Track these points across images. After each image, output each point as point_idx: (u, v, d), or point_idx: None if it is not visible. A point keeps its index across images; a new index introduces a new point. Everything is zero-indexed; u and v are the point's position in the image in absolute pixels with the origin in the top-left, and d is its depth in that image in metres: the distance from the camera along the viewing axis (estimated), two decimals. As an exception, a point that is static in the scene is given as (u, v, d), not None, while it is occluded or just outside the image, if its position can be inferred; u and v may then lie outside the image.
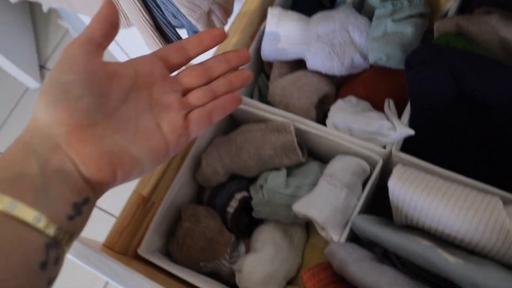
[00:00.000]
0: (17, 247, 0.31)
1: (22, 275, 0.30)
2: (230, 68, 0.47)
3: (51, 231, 0.32)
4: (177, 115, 0.42)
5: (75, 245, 0.47)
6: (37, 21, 1.96)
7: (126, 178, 0.39)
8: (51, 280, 0.33)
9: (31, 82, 1.82)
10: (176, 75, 0.45)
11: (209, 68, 0.46)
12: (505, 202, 0.45)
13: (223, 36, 0.46)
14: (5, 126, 1.82)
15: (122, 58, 1.28)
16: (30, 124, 0.37)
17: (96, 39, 0.40)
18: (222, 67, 0.47)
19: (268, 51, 0.60)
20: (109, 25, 0.41)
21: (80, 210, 0.35)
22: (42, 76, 1.87)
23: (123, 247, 0.53)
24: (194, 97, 0.45)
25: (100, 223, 0.81)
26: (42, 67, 1.89)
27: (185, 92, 0.45)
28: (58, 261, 0.33)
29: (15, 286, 0.30)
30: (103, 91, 0.38)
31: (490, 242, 0.42)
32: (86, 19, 1.15)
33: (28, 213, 0.32)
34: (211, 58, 0.47)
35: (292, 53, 0.60)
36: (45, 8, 1.56)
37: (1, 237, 0.30)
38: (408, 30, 0.55)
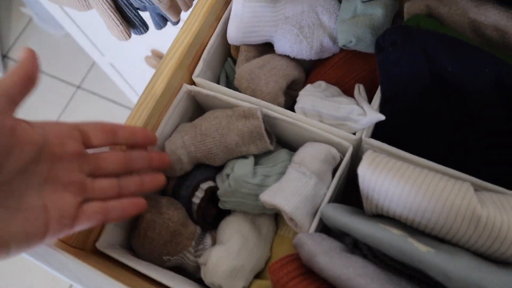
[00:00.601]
0: None
1: None
2: (149, 168, 0.47)
3: None
4: (72, 200, 0.38)
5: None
6: (-2, 8, 1.89)
7: None
8: None
9: (-8, 71, 1.74)
10: (93, 153, 0.42)
11: (130, 160, 0.45)
12: (477, 189, 0.44)
13: (154, 142, 0.48)
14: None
15: (85, 43, 1.23)
16: None
17: (11, 96, 0.34)
18: (142, 164, 0.46)
19: (234, 34, 0.57)
20: (27, 80, 0.36)
21: None
22: (4, 66, 1.80)
23: (80, 241, 0.50)
24: (98, 187, 0.42)
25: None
26: (4, 57, 1.82)
27: (94, 174, 0.42)
28: None
29: None
30: None
31: (461, 229, 0.41)
32: (51, 7, 1.10)
33: None
34: (135, 151, 0.46)
35: (259, 36, 0.57)
36: (5, -6, 1.49)
37: None
38: (378, 12, 0.53)
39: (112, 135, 0.43)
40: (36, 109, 1.77)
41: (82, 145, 0.41)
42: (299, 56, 0.57)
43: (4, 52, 1.82)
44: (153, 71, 1.15)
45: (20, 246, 0.35)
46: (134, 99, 1.49)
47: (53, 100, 1.84)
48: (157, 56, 1.06)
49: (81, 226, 0.40)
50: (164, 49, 1.05)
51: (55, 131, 0.38)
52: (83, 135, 0.41)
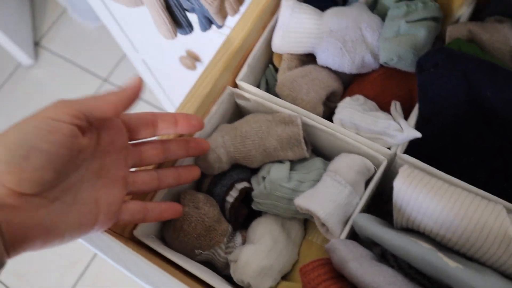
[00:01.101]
0: None
1: None
2: (187, 156, 0.48)
3: None
4: (119, 194, 0.41)
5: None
6: (35, -3, 1.93)
7: (44, 247, 0.36)
8: None
9: (24, 58, 1.79)
10: (134, 147, 0.44)
11: (167, 150, 0.46)
12: (509, 212, 0.45)
13: (200, 127, 0.46)
14: (-6, 100, 1.79)
15: (119, 37, 1.26)
16: None
17: (92, 118, 0.36)
18: (180, 154, 0.47)
19: (279, 43, 0.60)
20: (114, 111, 0.38)
21: None
22: (36, 53, 1.84)
23: (120, 228, 0.52)
24: (140, 180, 0.44)
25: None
26: (36, 44, 1.86)
27: (135, 166, 0.44)
28: None
29: None
30: (64, 168, 0.35)
31: (492, 248, 0.43)
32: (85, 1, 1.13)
33: None
34: (173, 141, 0.47)
35: (303, 46, 0.60)
36: (45, -15, 1.54)
37: None
38: (421, 32, 0.55)
39: (154, 128, 0.44)
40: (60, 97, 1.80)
41: (127, 140, 0.42)
42: (340, 69, 0.59)
43: (37, 40, 1.86)
44: (185, 71, 1.18)
45: (72, 236, 0.38)
46: (161, 97, 1.52)
47: (79, 90, 1.87)
48: (192, 57, 1.09)
49: (123, 222, 0.43)
50: (199, 51, 1.08)
51: (106, 129, 0.40)
52: (128, 129, 0.42)
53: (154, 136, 0.45)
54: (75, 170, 0.37)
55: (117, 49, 1.62)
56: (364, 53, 0.58)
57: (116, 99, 0.38)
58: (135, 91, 0.40)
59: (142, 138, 0.45)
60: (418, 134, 0.51)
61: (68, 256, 1.51)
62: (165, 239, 0.58)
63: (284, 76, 0.59)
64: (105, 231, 0.50)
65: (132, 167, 0.44)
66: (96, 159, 0.39)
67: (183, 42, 1.06)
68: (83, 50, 1.83)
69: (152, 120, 0.44)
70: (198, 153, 0.49)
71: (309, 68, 0.59)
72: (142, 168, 0.47)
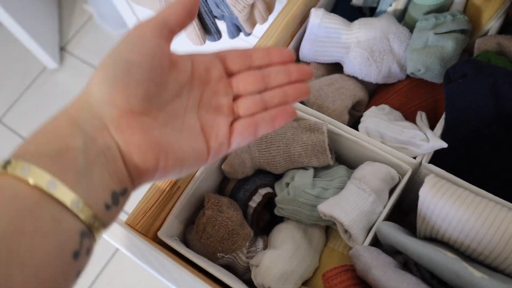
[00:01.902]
0: (52, 231, 0.28)
1: (55, 263, 0.28)
2: (289, 81, 0.44)
3: (87, 218, 0.30)
4: (223, 121, 0.40)
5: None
6: (62, 3, 1.98)
7: (165, 175, 0.37)
8: (80, 272, 0.30)
9: (50, 62, 1.82)
10: (232, 77, 0.42)
11: (267, 76, 0.43)
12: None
13: (291, 58, 0.43)
14: (18, 103, 1.83)
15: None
16: (80, 98, 0.34)
17: (170, 25, 0.37)
18: (281, 79, 0.43)
19: (307, 51, 0.61)
20: (186, 13, 0.38)
21: (118, 200, 0.33)
22: (61, 58, 1.88)
23: (145, 228, 0.53)
24: (243, 106, 0.42)
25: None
26: (62, 49, 1.90)
27: (237, 96, 0.42)
28: (89, 252, 0.31)
29: (47, 275, 0.27)
30: (163, 81, 0.37)
31: (518, 260, 0.42)
32: (120, 5, 1.15)
33: (67, 195, 0.29)
34: (272, 67, 0.44)
35: (330, 56, 0.60)
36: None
37: (37, 217, 0.28)
38: (449, 44, 0.56)
39: (248, 59, 0.43)
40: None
41: (223, 71, 0.42)
42: (366, 79, 0.60)
43: (63, 44, 1.90)
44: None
45: (191, 164, 0.38)
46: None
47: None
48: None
49: (236, 144, 0.41)
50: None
51: (200, 60, 0.40)
52: (223, 62, 0.42)
53: (248, 69, 0.43)
54: (177, 96, 0.38)
55: (140, 56, 1.64)
56: (391, 63, 0.58)
57: (183, 1, 0.38)
58: None
59: (236, 72, 0.43)
60: (444, 144, 0.51)
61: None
62: (187, 242, 0.59)
63: (310, 84, 0.60)
64: (131, 230, 0.51)
65: (234, 97, 0.42)
66: (196, 88, 0.39)
67: (208, 50, 1.07)
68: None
69: (245, 52, 0.43)
70: (301, 76, 0.44)
71: (335, 77, 0.60)
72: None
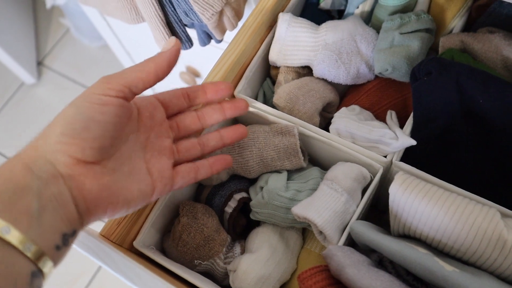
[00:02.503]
0: (5, 273, 0.30)
1: None
2: (224, 118, 0.47)
3: (38, 260, 0.32)
4: (167, 163, 0.43)
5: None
6: (38, 17, 1.96)
7: (113, 215, 0.39)
8: None
9: (27, 77, 1.81)
10: (171, 119, 0.46)
11: (203, 116, 0.47)
12: (502, 216, 0.46)
13: (228, 91, 0.46)
14: (-3, 120, 1.81)
15: (122, 56, 1.28)
16: (34, 144, 0.36)
17: (136, 90, 0.39)
18: (216, 117, 0.47)
19: (276, 56, 0.61)
20: (156, 78, 0.40)
21: (68, 241, 0.35)
22: (39, 72, 1.86)
23: (120, 238, 0.53)
24: (183, 148, 0.45)
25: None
26: (40, 64, 1.88)
27: (176, 138, 0.46)
28: None
29: None
30: (118, 135, 0.39)
31: (486, 251, 0.43)
32: (94, 18, 1.15)
33: (19, 240, 0.31)
34: (207, 107, 0.47)
35: (300, 59, 0.61)
36: (48, 5, 1.57)
37: None
38: (414, 43, 0.56)
39: (186, 99, 0.46)
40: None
41: (164, 114, 0.44)
42: (336, 80, 0.60)
43: (40, 59, 1.89)
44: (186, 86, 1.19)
45: (137, 204, 0.41)
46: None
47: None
48: (192, 72, 1.10)
49: (178, 185, 0.44)
50: (199, 66, 1.09)
51: (145, 106, 0.43)
52: (164, 106, 0.44)
53: (189, 108, 0.47)
54: (125, 142, 0.40)
55: (119, 67, 1.64)
56: (359, 64, 0.59)
57: (155, 66, 0.40)
58: (173, 53, 0.41)
59: (177, 112, 0.46)
60: (413, 142, 0.52)
61: (72, 270, 1.51)
62: (165, 251, 0.59)
63: (281, 88, 0.60)
64: (106, 241, 0.51)
65: (174, 139, 0.46)
66: (141, 133, 0.42)
67: (183, 58, 1.07)
68: (86, 69, 1.85)
69: (183, 93, 0.46)
70: (235, 112, 0.48)
71: (305, 80, 0.61)
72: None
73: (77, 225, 0.36)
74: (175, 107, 0.45)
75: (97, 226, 0.54)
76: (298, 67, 0.63)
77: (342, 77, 0.59)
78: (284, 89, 0.59)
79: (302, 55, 0.61)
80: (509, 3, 0.55)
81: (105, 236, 0.52)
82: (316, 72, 0.61)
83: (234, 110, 0.48)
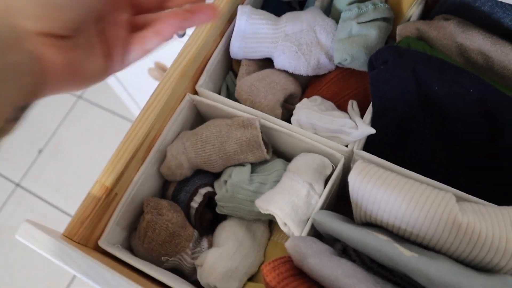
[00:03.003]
0: None
1: None
2: (191, 1, 0.41)
3: None
4: (124, 33, 0.39)
5: (34, 233, 0.47)
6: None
7: (65, 91, 0.37)
8: None
9: None
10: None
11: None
12: (458, 200, 0.47)
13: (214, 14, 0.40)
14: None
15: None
16: None
17: None
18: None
19: (236, 49, 0.61)
20: None
21: (19, 115, 0.33)
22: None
23: (84, 238, 0.53)
24: (141, 20, 0.40)
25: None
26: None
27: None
28: None
29: None
30: (95, 11, 0.36)
31: (443, 236, 0.44)
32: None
33: None
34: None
35: (260, 51, 0.61)
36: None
37: None
38: (372, 33, 0.57)
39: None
40: (36, 118, 1.79)
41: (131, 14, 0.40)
42: (296, 72, 0.61)
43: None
44: (155, 83, 1.18)
45: (95, 80, 0.38)
46: (135, 110, 1.52)
47: (54, 109, 1.87)
48: (160, 68, 1.10)
49: (132, 59, 0.40)
50: (167, 62, 1.08)
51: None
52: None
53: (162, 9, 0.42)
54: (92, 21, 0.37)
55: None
56: (319, 55, 0.59)
57: None
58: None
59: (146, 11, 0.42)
60: (372, 130, 0.52)
61: (47, 279, 1.49)
62: (132, 249, 0.58)
63: (242, 81, 0.60)
64: (68, 241, 0.50)
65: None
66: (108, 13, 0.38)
67: (151, 54, 1.06)
68: None
69: None
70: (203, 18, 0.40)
71: (266, 72, 0.61)
72: None
73: (30, 98, 0.33)
74: (145, 5, 0.41)
75: (60, 226, 0.54)
76: (259, 60, 0.63)
77: (303, 68, 0.60)
78: (245, 82, 0.59)
79: (263, 47, 0.61)
80: (462, -10, 0.56)
81: (68, 236, 0.52)
82: (277, 63, 0.61)
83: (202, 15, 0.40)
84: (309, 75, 0.61)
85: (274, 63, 0.61)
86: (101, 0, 0.36)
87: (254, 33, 0.60)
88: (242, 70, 0.62)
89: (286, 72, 0.62)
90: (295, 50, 0.59)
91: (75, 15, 0.34)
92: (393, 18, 0.60)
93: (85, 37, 0.37)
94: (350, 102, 0.59)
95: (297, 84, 0.62)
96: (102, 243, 0.54)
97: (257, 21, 0.60)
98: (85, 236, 0.53)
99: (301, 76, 0.62)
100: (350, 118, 0.56)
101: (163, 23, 0.40)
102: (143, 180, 0.57)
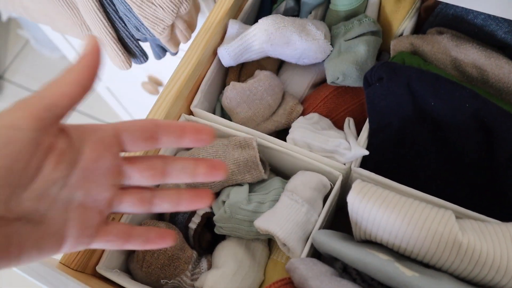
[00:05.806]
0: None
1: None
2: (192, 182, 0.37)
3: None
4: (95, 218, 0.34)
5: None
6: (-5, 30, 1.91)
7: (11, 266, 0.31)
8: None
9: (-13, 93, 1.76)
10: (127, 166, 0.35)
11: (169, 174, 0.36)
12: (457, 216, 0.47)
13: (209, 141, 0.36)
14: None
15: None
16: None
17: (58, 110, 0.30)
18: (183, 179, 0.36)
19: (227, 62, 0.61)
20: (81, 88, 0.31)
21: None
22: (0, 87, 1.82)
23: (81, 265, 0.52)
24: (127, 201, 0.35)
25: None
26: (0, 78, 1.84)
27: (126, 185, 0.36)
28: None
29: None
30: (24, 182, 0.29)
31: (443, 255, 0.44)
32: (47, 29, 1.13)
33: None
34: (178, 162, 0.36)
35: (256, 51, 0.61)
36: (4, 17, 1.53)
37: None
38: (361, 48, 0.57)
39: (154, 141, 0.35)
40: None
41: (118, 156, 0.34)
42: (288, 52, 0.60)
43: (0, 73, 1.84)
44: (149, 96, 1.18)
45: (31, 259, 0.31)
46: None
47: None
48: (154, 82, 1.09)
49: (97, 246, 0.35)
50: (160, 76, 1.08)
51: (93, 142, 0.33)
52: (120, 141, 0.34)
53: (152, 148, 0.37)
54: (51, 184, 0.31)
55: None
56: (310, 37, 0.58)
57: (78, 76, 0.31)
58: (95, 56, 0.32)
59: (137, 151, 0.36)
60: (365, 152, 0.52)
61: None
62: (130, 272, 0.58)
63: (229, 91, 0.60)
64: (65, 269, 0.50)
65: (122, 187, 0.36)
66: (75, 177, 0.32)
67: (144, 68, 1.06)
68: (48, 80, 1.81)
69: (152, 131, 0.35)
70: (210, 177, 0.36)
71: (254, 86, 0.60)
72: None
73: None
74: (136, 146, 0.35)
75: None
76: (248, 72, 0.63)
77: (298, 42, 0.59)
78: (231, 91, 0.59)
79: (252, 57, 0.61)
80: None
81: (65, 264, 0.51)
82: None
83: (208, 175, 0.36)
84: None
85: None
86: (25, 175, 0.29)
87: (240, 52, 0.60)
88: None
89: (278, 86, 0.61)
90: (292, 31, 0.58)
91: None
92: (381, 31, 0.60)
93: (34, 207, 0.30)
94: (346, 120, 0.59)
95: (292, 97, 0.62)
96: (100, 269, 0.53)
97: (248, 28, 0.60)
98: (82, 262, 0.52)
99: (297, 92, 0.62)
100: (346, 137, 0.55)
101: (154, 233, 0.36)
102: (140, 202, 0.56)
